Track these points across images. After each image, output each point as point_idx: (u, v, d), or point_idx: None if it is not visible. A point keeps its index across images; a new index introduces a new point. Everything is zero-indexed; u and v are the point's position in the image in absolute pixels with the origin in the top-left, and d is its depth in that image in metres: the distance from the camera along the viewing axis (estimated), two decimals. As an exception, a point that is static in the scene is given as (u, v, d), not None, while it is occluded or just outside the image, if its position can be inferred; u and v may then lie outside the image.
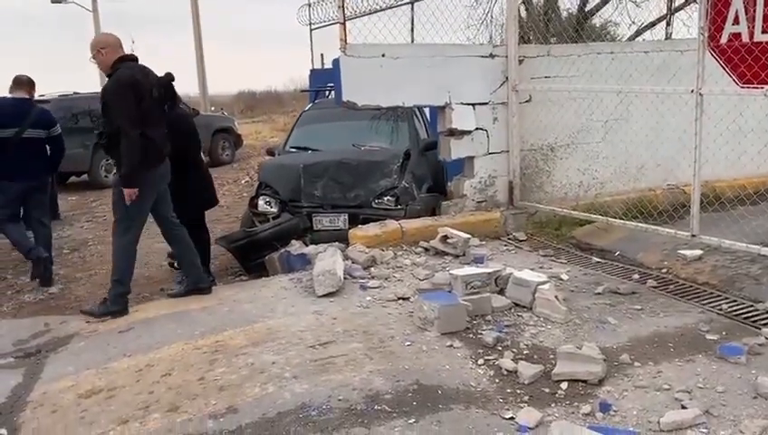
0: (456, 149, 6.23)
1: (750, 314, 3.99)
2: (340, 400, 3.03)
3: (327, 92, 9.27)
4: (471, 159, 6.36)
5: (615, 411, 2.92)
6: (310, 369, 3.37)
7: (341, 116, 7.59)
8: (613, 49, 6.71)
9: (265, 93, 41.98)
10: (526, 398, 3.08)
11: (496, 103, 6.33)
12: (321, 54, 16.36)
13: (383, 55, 5.77)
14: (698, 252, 5.02)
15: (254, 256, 5.94)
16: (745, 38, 4.57)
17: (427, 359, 3.48)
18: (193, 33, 22.09)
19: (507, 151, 6.44)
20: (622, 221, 5.65)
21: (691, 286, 4.58)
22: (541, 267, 5.11)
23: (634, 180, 7.06)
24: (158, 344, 3.91)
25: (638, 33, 9.97)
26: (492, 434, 2.74)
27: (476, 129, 6.26)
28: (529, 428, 2.77)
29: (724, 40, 4.70)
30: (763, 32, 4.45)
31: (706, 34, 4.76)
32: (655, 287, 4.60)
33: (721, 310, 4.10)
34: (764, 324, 3.82)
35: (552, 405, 3.02)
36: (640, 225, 5.47)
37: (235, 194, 12.14)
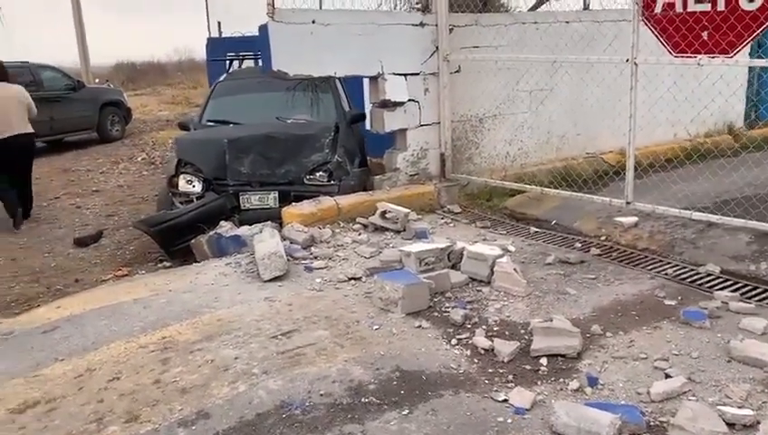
0: (390, 122, 6.05)
1: (696, 278, 4.13)
2: (321, 394, 2.81)
3: (239, 62, 8.77)
4: (403, 131, 6.20)
5: (602, 385, 2.89)
6: (279, 362, 3.11)
7: (259, 87, 7.21)
8: (537, 19, 6.74)
9: (147, 64, 39.53)
10: (510, 377, 3.00)
11: (427, 74, 6.19)
12: (219, 22, 15.55)
13: (313, 22, 5.45)
14: (634, 219, 5.16)
15: (177, 241, 5.49)
16: (679, 8, 4.67)
17: (399, 342, 3.32)
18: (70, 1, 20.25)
19: (438, 123, 6.34)
20: (557, 190, 5.72)
21: (633, 253, 4.70)
22: (484, 239, 5.06)
23: (556, 150, 7.21)
24: (93, 345, 3.49)
25: (540, 2, 10.12)
26: (491, 419, 2.63)
27: (408, 100, 6.09)
28: (526, 409, 2.68)
29: (658, 9, 4.78)
30: (697, 1, 4.55)
31: (641, 4, 4.83)
32: (599, 255, 4.67)
33: (668, 275, 4.22)
34: (712, 287, 3.96)
35: (539, 383, 2.95)
36: (575, 193, 5.55)
37: (133, 173, 11.29)
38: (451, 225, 5.65)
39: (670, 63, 4.92)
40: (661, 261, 4.49)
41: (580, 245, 4.91)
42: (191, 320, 3.68)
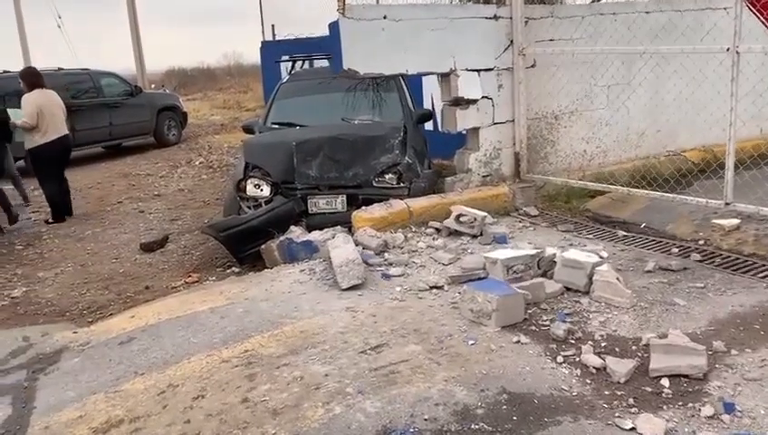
0: (462, 120, 5.78)
1: (820, 288, 3.74)
2: (426, 419, 2.56)
3: (301, 62, 8.63)
4: (476, 130, 5.92)
5: (741, 412, 2.56)
6: (373, 381, 2.88)
7: (323, 88, 7.03)
8: (615, 10, 6.36)
9: (197, 70, 40.29)
10: (631, 400, 2.69)
11: (501, 69, 5.89)
12: (273, 25, 15.57)
13: (385, 17, 5.23)
14: (735, 221, 4.76)
15: (247, 246, 5.33)
16: (791, -10, 4.27)
17: (500, 360, 3.05)
18: (127, 7, 20.64)
19: (513, 121, 6.04)
20: (645, 191, 5.34)
21: (738, 259, 4.31)
22: (570, 244, 4.74)
23: (635, 148, 6.81)
24: (173, 358, 3.33)
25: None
26: (620, 451, 2.34)
27: (482, 97, 5.81)
28: (659, 440, 2.38)
29: (765, -7, 4.39)
30: (812, -17, 4.15)
31: (744, -12, 4.45)
32: (701, 261, 4.30)
33: (784, 284, 3.83)
34: (840, 298, 3.56)
35: (664, 408, 2.64)
36: (667, 194, 5.17)
37: (192, 177, 11.29)
38: (530, 228, 5.34)
39: (777, 52, 4.51)
40: (773, 268, 4.10)
41: (677, 250, 4.54)
42: (273, 331, 3.49)
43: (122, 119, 13.84)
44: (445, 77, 5.70)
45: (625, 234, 5.03)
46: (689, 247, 4.58)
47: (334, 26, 5.09)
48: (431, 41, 5.46)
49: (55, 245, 6.88)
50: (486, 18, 5.75)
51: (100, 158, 13.37)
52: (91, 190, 9.93)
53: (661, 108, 6.73)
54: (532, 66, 5.99)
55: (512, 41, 5.86)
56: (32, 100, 7.65)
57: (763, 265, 4.15)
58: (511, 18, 5.82)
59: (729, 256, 4.36)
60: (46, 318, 4.69)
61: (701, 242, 4.68)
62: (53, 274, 5.82)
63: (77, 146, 12.19)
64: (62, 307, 4.94)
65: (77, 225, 7.63)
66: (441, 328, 3.42)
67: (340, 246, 4.51)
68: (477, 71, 5.76)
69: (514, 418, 2.56)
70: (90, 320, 4.55)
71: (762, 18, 4.43)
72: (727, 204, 4.76)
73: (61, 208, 7.94)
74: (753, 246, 4.45)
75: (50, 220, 7.84)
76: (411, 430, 2.49)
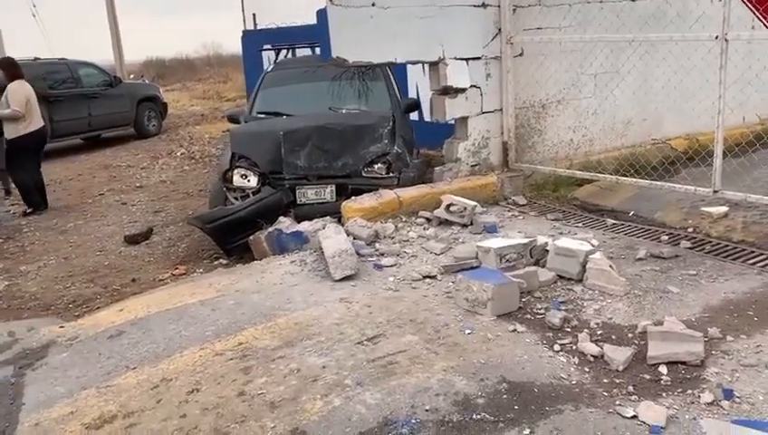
0: (451, 109, 5.74)
1: (809, 274, 3.77)
2: (427, 410, 2.53)
3: (286, 51, 8.53)
4: (464, 119, 5.89)
5: (739, 398, 2.57)
6: (371, 372, 2.84)
7: (308, 77, 6.95)
8: (602, -3, 6.35)
9: (176, 60, 39.85)
10: (630, 388, 2.69)
11: (489, 58, 5.86)
12: (254, 14, 15.40)
13: (373, 5, 5.16)
14: (723, 208, 4.79)
15: (234, 237, 5.27)
16: (779, -22, 4.29)
17: (498, 349, 3.03)
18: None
19: (501, 110, 6.01)
20: (633, 180, 5.35)
21: (728, 246, 4.34)
22: (560, 233, 4.75)
23: (621, 136, 6.84)
24: (165, 352, 3.26)
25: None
26: (624, 439, 2.33)
27: (470, 86, 5.77)
28: (661, 427, 2.38)
29: (754, -19, 4.40)
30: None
31: (733, -24, 4.45)
32: (691, 249, 4.33)
33: (775, 270, 3.86)
34: (830, 284, 3.60)
35: (664, 395, 2.64)
36: (656, 182, 5.18)
37: (174, 168, 11.14)
38: (520, 217, 5.34)
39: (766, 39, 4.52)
40: (762, 254, 4.13)
41: (667, 238, 4.56)
42: (266, 324, 3.44)
43: (101, 109, 13.61)
44: (433, 66, 5.66)
45: (614, 222, 5.04)
46: (679, 235, 4.61)
47: (322, 14, 5.02)
48: (420, 29, 5.41)
49: (37, 238, 6.74)
50: (474, 6, 5.70)
51: (80, 149, 13.16)
52: (71, 182, 9.77)
53: (650, 96, 6.74)
54: (520, 55, 5.97)
55: (500, 29, 5.83)
56: (19, 89, 7.61)
57: (753, 252, 4.19)
58: (499, 6, 5.78)
59: (719, 244, 4.39)
60: (31, 312, 4.59)
61: (690, 230, 4.71)
62: (36, 267, 5.70)
63: (55, 137, 12.01)
64: (47, 301, 4.84)
65: (59, 217, 7.49)
66: (437, 318, 3.40)
67: (331, 237, 4.46)
68: (466, 59, 5.72)
69: (516, 407, 2.55)
70: (76, 314, 4.46)
71: (750, 5, 4.44)
72: (715, 192, 4.79)
73: (35, 198, 7.86)
74: (741, 233, 4.49)
75: (27, 211, 7.71)
76: (413, 420, 2.46)
